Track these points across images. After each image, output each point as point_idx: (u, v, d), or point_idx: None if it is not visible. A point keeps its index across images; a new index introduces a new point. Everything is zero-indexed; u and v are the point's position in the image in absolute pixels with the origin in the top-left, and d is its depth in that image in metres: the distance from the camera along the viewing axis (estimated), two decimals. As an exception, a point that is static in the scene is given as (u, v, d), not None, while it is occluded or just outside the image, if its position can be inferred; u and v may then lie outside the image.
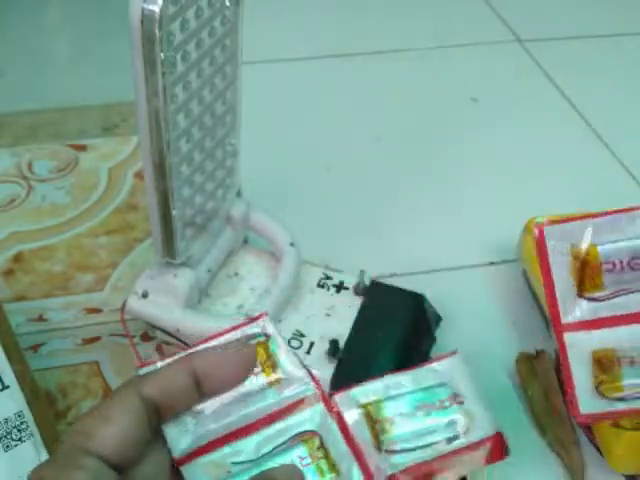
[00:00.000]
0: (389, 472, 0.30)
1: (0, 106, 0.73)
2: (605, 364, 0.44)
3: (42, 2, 0.92)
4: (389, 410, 0.31)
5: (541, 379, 0.49)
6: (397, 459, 0.30)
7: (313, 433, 0.30)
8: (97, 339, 0.52)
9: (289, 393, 0.30)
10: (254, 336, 0.31)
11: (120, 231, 0.61)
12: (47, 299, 0.55)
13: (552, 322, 0.46)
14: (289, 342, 0.48)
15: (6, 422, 0.37)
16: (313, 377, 0.31)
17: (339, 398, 0.31)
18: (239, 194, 0.53)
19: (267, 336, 0.31)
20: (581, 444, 0.46)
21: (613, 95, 0.79)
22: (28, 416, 0.38)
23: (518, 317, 0.54)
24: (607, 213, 0.46)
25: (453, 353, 0.34)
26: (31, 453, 0.38)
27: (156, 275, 0.48)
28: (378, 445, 0.30)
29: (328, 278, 0.53)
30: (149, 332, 0.52)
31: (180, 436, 0.29)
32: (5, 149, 0.68)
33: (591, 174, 0.67)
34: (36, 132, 0.71)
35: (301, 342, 0.48)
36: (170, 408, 0.28)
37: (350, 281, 0.52)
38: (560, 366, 0.45)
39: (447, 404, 0.32)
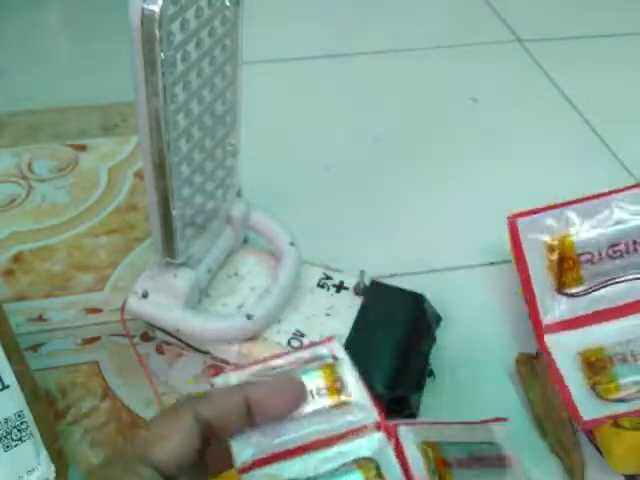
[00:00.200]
0: None
1: (0, 106, 0.73)
2: (597, 365, 0.43)
3: (42, 2, 0.93)
4: (447, 454, 0.32)
5: (541, 380, 0.49)
6: None
7: (370, 460, 0.30)
8: (97, 339, 0.52)
9: (352, 418, 0.31)
10: (322, 357, 0.33)
11: (120, 231, 0.61)
12: (47, 299, 0.55)
13: (532, 323, 0.44)
14: (289, 342, 0.48)
15: (6, 422, 0.37)
16: (376, 404, 0.32)
17: (401, 430, 0.31)
18: (239, 194, 0.53)
19: (334, 358, 0.33)
20: (581, 444, 0.46)
21: (613, 95, 0.79)
22: (28, 416, 0.38)
23: (518, 317, 0.54)
24: (581, 200, 0.44)
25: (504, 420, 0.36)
26: (31, 453, 0.38)
27: (156, 275, 0.48)
28: None
29: (328, 278, 0.53)
30: (149, 332, 0.52)
31: (244, 447, 0.30)
32: (5, 149, 0.68)
33: (591, 174, 0.67)
34: (36, 132, 0.71)
35: (301, 342, 0.48)
36: (222, 430, 0.31)
37: (350, 281, 0.52)
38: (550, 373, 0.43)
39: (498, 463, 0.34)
